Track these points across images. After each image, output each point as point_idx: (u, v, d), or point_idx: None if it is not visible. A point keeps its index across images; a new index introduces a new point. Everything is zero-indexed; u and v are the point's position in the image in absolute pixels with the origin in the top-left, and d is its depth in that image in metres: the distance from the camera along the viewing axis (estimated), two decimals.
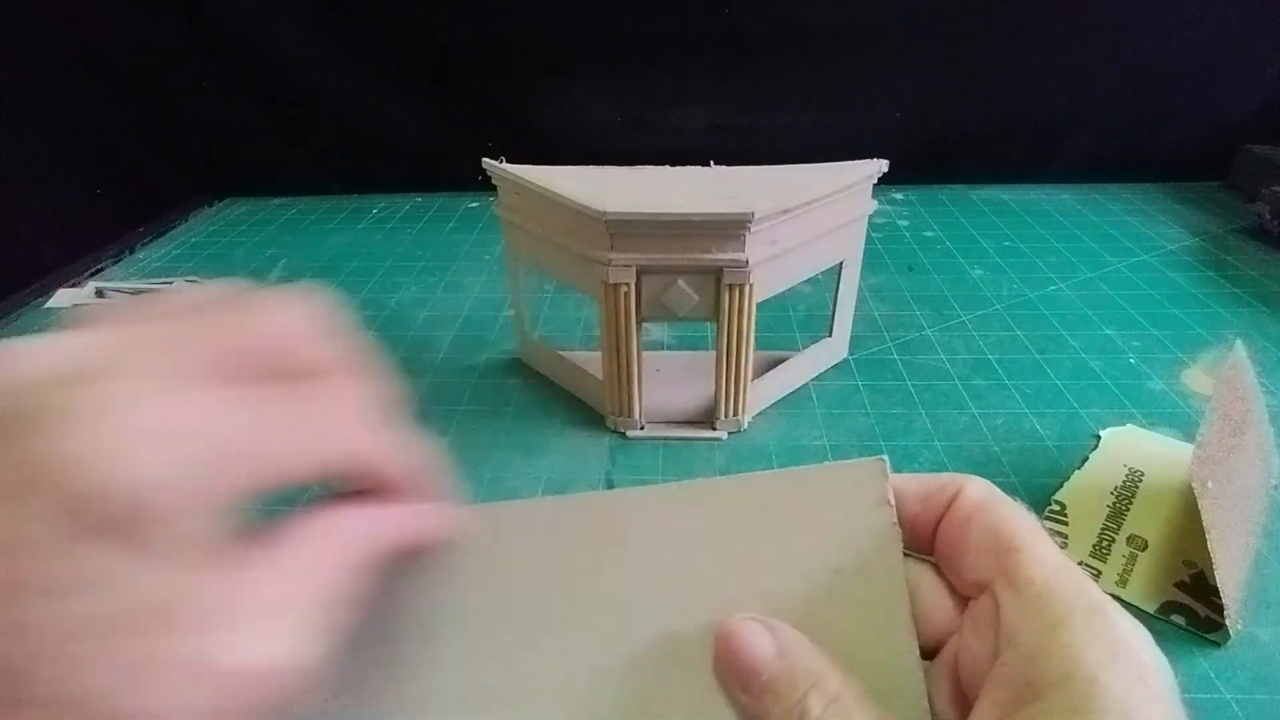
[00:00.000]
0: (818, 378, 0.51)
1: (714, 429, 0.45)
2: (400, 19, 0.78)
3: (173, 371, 0.16)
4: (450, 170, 0.84)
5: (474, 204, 0.84)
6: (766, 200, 0.39)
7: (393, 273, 0.69)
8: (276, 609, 0.17)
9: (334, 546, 0.20)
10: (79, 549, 0.14)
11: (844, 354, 0.52)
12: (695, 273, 0.40)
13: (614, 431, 0.46)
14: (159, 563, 0.15)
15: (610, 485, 0.42)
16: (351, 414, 0.20)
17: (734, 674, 0.21)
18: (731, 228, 0.39)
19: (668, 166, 0.47)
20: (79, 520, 0.14)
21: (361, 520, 0.21)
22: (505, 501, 0.29)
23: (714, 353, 0.43)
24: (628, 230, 0.39)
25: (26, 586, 0.14)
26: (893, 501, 0.23)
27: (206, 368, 0.17)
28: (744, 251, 0.39)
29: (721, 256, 0.39)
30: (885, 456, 0.23)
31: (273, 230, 0.80)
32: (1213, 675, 0.30)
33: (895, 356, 0.53)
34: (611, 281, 0.40)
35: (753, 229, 0.38)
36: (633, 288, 0.40)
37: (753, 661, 0.21)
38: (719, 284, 0.40)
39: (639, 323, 0.42)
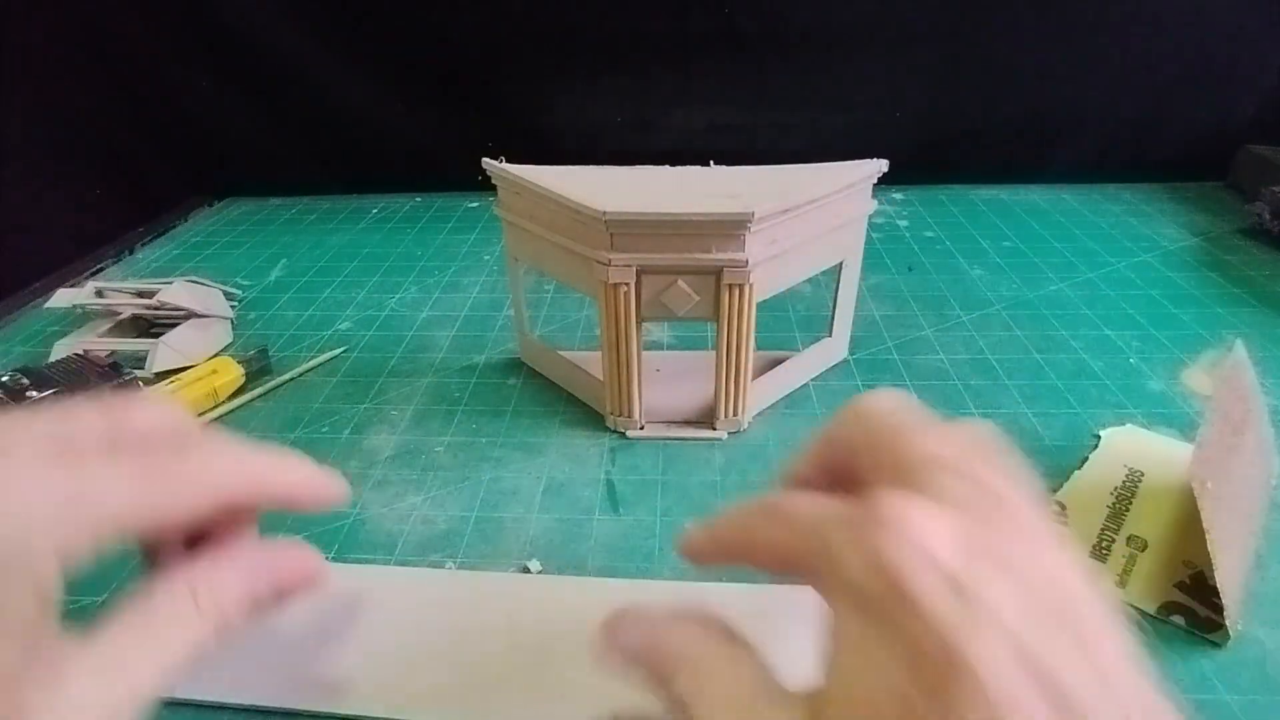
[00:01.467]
0: (817, 377, 0.51)
1: (714, 429, 0.45)
2: (400, 19, 0.78)
3: (29, 451, 0.19)
4: (450, 170, 0.84)
5: (474, 204, 0.84)
6: (767, 200, 0.39)
7: (392, 273, 0.69)
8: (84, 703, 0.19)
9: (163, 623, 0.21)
10: None
11: (844, 354, 0.52)
12: (695, 273, 0.40)
13: (614, 431, 0.46)
14: None
15: (610, 485, 0.42)
16: (219, 457, 0.23)
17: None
18: (731, 227, 0.38)
19: (668, 166, 0.47)
20: None
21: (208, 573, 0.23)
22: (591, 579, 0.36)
23: (714, 353, 0.43)
24: (627, 230, 0.39)
25: None
26: None
27: (61, 448, 0.19)
28: (744, 251, 0.39)
29: (721, 256, 0.39)
30: None
31: (272, 230, 0.80)
32: (1212, 676, 0.30)
33: (895, 356, 0.53)
34: (611, 281, 0.40)
35: (753, 229, 0.38)
36: (633, 288, 0.40)
37: (630, 649, 0.22)
38: (719, 284, 0.40)
39: (639, 323, 0.42)
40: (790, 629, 0.31)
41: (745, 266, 0.39)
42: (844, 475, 0.21)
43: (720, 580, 0.36)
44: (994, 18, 0.76)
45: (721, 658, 0.20)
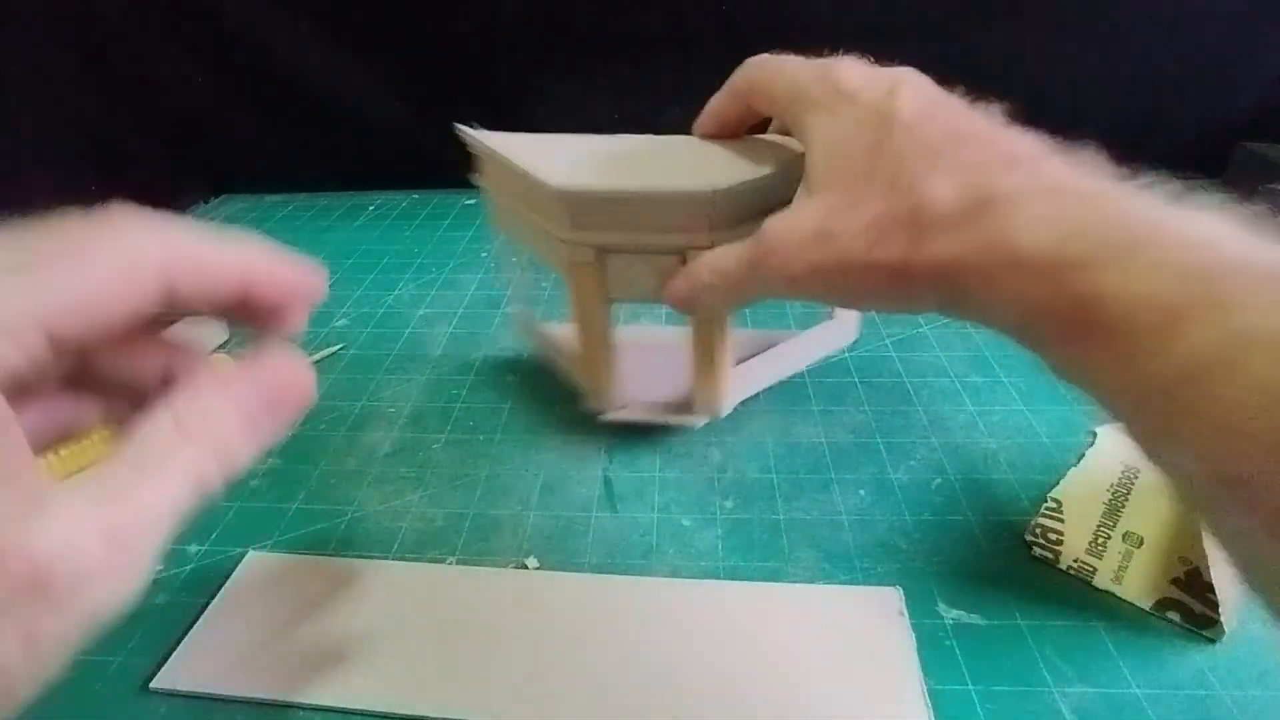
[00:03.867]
0: (815, 374, 0.51)
1: (692, 413, 0.43)
2: (397, 16, 0.78)
3: None
4: (446, 167, 0.83)
5: (470, 201, 0.84)
6: (733, 173, 0.35)
7: (389, 270, 0.69)
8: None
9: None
10: None
11: (854, 336, 0.50)
12: (659, 253, 0.36)
13: (594, 413, 0.44)
14: None
15: (607, 483, 0.42)
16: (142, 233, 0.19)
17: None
18: (693, 206, 0.34)
19: (653, 136, 0.42)
20: None
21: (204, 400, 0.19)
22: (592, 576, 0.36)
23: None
24: (585, 207, 0.35)
25: None
26: (905, 613, 0.33)
27: None
28: (707, 232, 0.35)
29: (683, 237, 0.35)
30: (899, 588, 0.34)
31: (269, 227, 0.80)
32: (1207, 672, 0.31)
33: (892, 353, 0.53)
34: (573, 260, 0.37)
35: (718, 206, 0.34)
36: (595, 268, 0.37)
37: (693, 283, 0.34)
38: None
39: (606, 303, 0.39)
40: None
41: (709, 248, 0.34)
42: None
43: (719, 579, 0.36)
44: (991, 16, 0.76)
45: None
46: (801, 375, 0.50)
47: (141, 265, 0.18)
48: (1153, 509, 0.38)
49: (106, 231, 0.18)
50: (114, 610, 0.17)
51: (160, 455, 0.18)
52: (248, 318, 0.21)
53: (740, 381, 0.44)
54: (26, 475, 0.16)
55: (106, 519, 0.16)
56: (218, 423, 0.19)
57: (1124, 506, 0.38)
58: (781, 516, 0.39)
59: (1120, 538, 0.37)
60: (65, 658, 0.16)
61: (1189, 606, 0.33)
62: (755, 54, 0.35)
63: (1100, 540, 0.36)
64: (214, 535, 0.39)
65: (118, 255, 0.18)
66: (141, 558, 0.17)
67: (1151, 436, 0.19)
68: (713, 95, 0.38)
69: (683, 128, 0.84)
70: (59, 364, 0.18)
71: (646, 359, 0.47)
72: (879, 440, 0.44)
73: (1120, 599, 0.34)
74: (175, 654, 0.32)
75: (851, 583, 0.35)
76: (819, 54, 0.31)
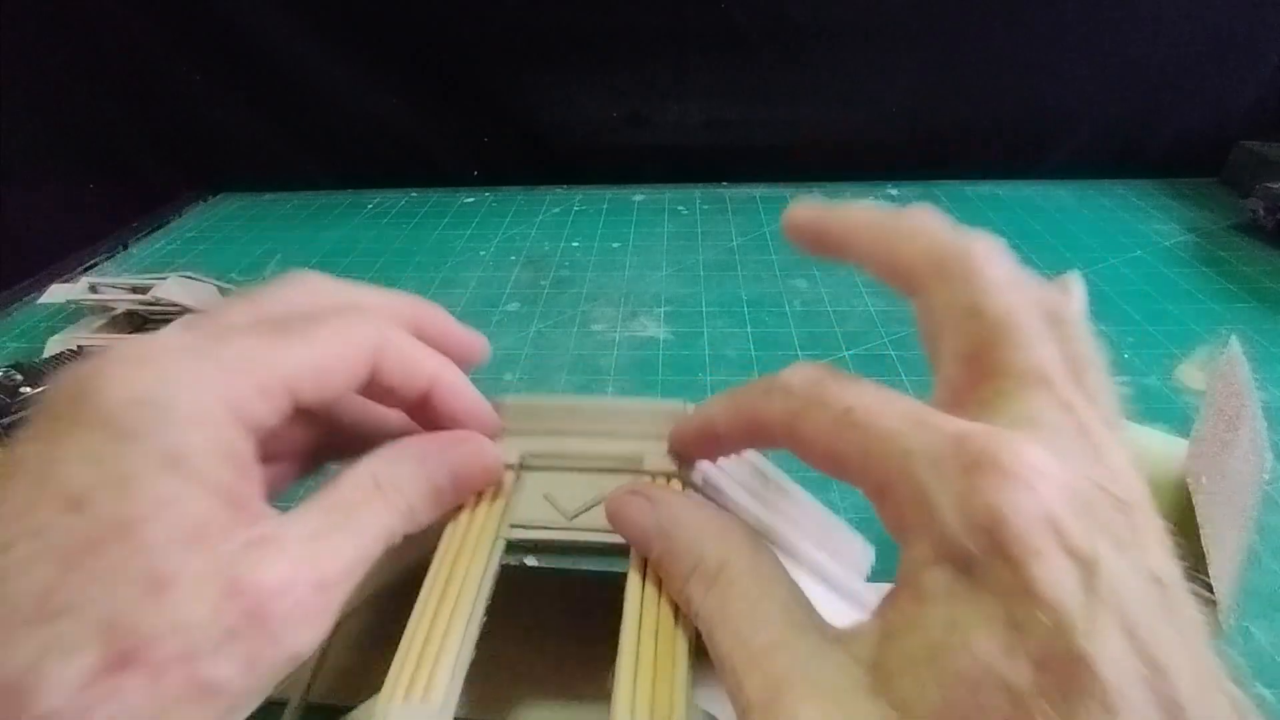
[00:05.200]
0: None
1: None
2: (394, 13, 0.78)
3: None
4: (445, 165, 0.84)
5: (469, 199, 0.83)
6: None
7: (388, 268, 0.69)
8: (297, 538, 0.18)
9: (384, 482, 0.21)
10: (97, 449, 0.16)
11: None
12: (603, 469, 0.25)
13: None
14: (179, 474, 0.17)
15: None
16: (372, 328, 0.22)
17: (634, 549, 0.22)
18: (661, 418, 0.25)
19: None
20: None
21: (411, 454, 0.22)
22: None
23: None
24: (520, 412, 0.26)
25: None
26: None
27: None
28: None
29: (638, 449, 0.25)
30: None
31: (267, 225, 0.79)
32: None
33: (890, 352, 0.53)
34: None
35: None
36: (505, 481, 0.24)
37: (640, 538, 0.21)
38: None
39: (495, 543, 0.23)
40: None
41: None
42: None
43: None
44: (990, 13, 0.76)
45: (746, 570, 0.19)
46: None
47: (361, 349, 0.21)
48: None
49: (337, 314, 0.21)
50: (308, 653, 0.17)
51: (360, 511, 0.20)
52: (422, 421, 0.24)
53: None
54: (258, 513, 0.18)
55: (317, 566, 0.18)
56: (410, 489, 0.21)
57: None
58: None
59: None
60: (270, 691, 0.17)
61: None
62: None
63: None
64: None
65: (344, 336, 0.20)
66: (335, 605, 0.18)
67: None
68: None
69: (680, 126, 0.84)
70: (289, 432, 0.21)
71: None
72: None
73: None
74: None
75: None
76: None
